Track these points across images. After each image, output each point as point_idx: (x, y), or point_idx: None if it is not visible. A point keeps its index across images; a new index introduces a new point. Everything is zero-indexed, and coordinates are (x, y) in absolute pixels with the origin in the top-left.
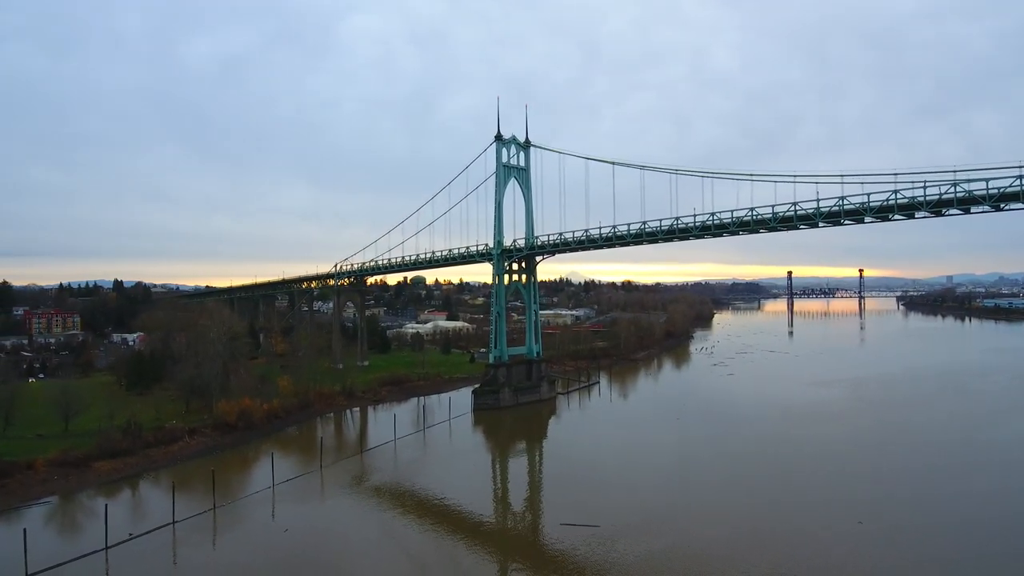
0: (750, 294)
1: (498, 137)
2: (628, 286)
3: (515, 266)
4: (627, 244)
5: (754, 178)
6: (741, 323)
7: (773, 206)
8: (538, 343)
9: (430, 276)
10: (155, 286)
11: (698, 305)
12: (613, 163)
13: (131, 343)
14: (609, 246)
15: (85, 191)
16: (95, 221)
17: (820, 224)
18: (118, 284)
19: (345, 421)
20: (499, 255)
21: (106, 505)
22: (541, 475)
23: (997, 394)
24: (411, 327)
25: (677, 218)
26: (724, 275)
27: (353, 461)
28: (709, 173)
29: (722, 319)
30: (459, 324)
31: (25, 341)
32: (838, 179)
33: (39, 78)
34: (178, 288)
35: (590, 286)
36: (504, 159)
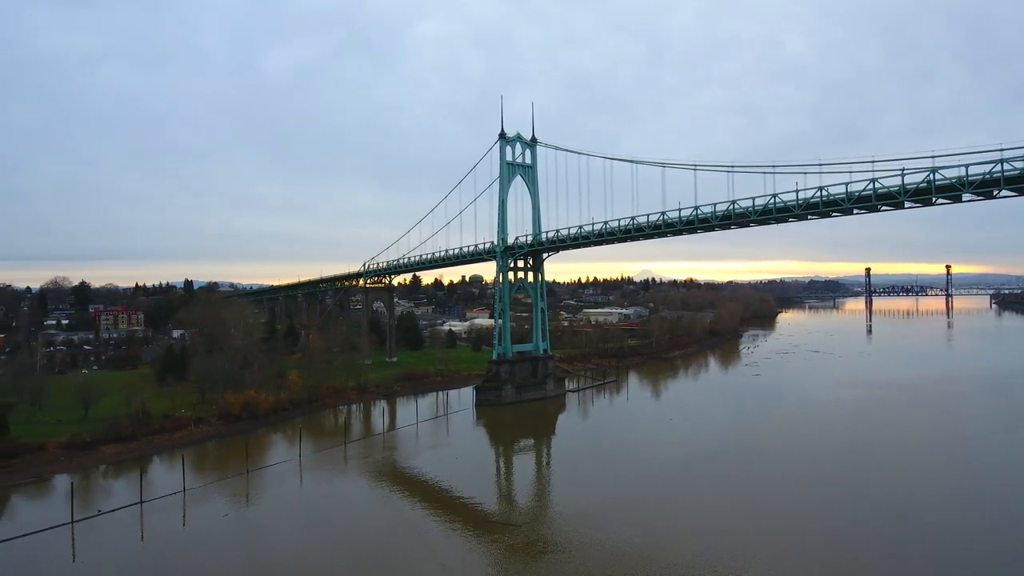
0: (828, 292)
1: (502, 135)
2: (690, 284)
3: (521, 263)
4: (622, 240)
5: (777, 170)
6: (808, 322)
7: (874, 181)
8: (546, 340)
9: (488, 274)
10: (223, 285)
11: (757, 303)
12: (609, 158)
13: (186, 339)
14: (605, 242)
15: (171, 197)
16: (180, 225)
17: (936, 200)
18: (188, 284)
19: (349, 414)
20: (502, 252)
21: (71, 483)
22: (503, 471)
23: None
24: (449, 325)
25: (663, 213)
26: (803, 272)
27: (336, 451)
28: (693, 166)
29: (790, 318)
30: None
31: (91, 336)
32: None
33: (133, 94)
34: (252, 287)
35: (648, 284)
36: (510, 157)
